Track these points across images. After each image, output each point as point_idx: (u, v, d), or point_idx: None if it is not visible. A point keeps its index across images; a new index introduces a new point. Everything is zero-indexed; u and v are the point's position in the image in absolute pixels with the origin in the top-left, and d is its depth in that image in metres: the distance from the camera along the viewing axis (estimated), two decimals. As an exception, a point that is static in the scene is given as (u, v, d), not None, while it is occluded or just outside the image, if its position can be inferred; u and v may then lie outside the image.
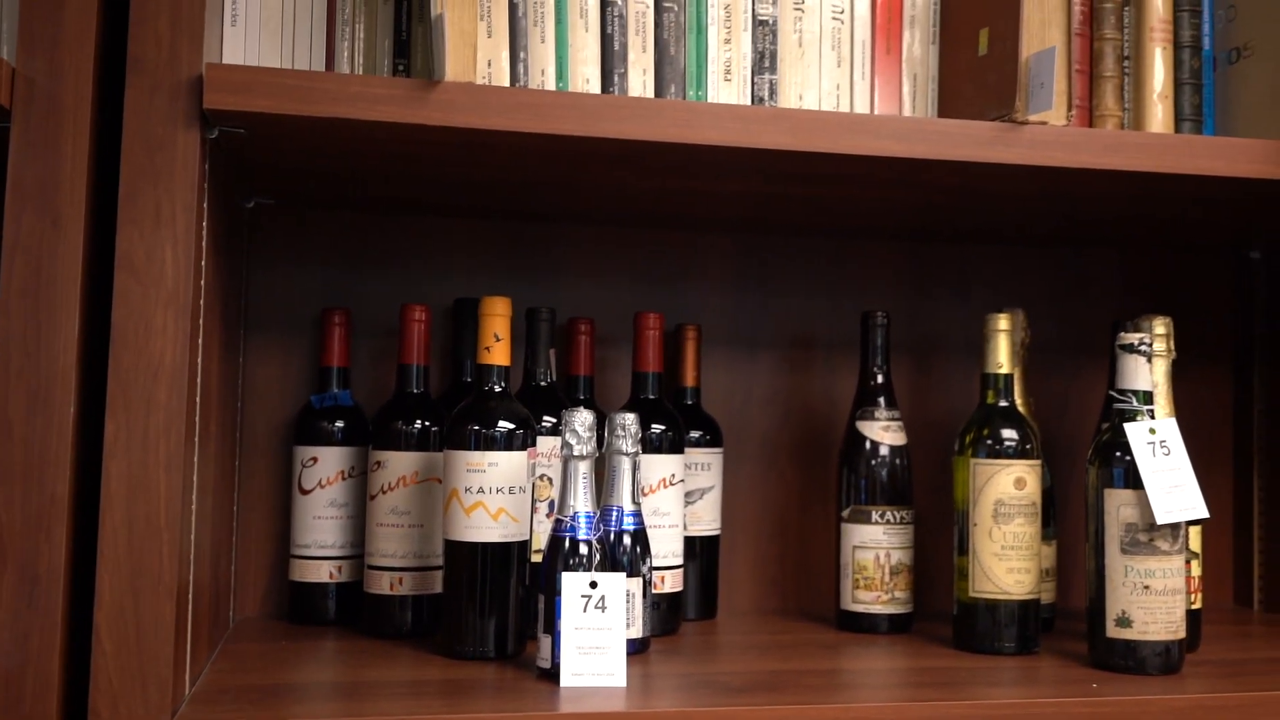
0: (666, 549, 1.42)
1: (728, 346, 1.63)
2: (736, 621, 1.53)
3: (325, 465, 1.43)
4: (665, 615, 1.42)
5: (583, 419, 1.21)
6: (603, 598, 1.17)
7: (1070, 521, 1.65)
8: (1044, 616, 1.46)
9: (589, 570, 1.19)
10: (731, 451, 1.60)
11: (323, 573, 1.42)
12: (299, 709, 1.07)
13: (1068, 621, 1.53)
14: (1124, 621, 1.24)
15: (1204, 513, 1.24)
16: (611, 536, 1.27)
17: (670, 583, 1.43)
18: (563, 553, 1.19)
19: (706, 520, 1.51)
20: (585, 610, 1.16)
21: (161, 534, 1.00)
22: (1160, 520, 1.23)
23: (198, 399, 1.08)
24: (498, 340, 1.29)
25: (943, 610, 1.51)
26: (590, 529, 1.20)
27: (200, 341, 1.09)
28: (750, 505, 1.63)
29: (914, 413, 1.63)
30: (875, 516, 1.45)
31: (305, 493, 1.43)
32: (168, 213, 1.03)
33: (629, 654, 1.21)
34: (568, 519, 1.20)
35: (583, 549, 1.19)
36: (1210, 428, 1.75)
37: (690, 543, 1.49)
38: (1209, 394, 1.76)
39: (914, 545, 1.47)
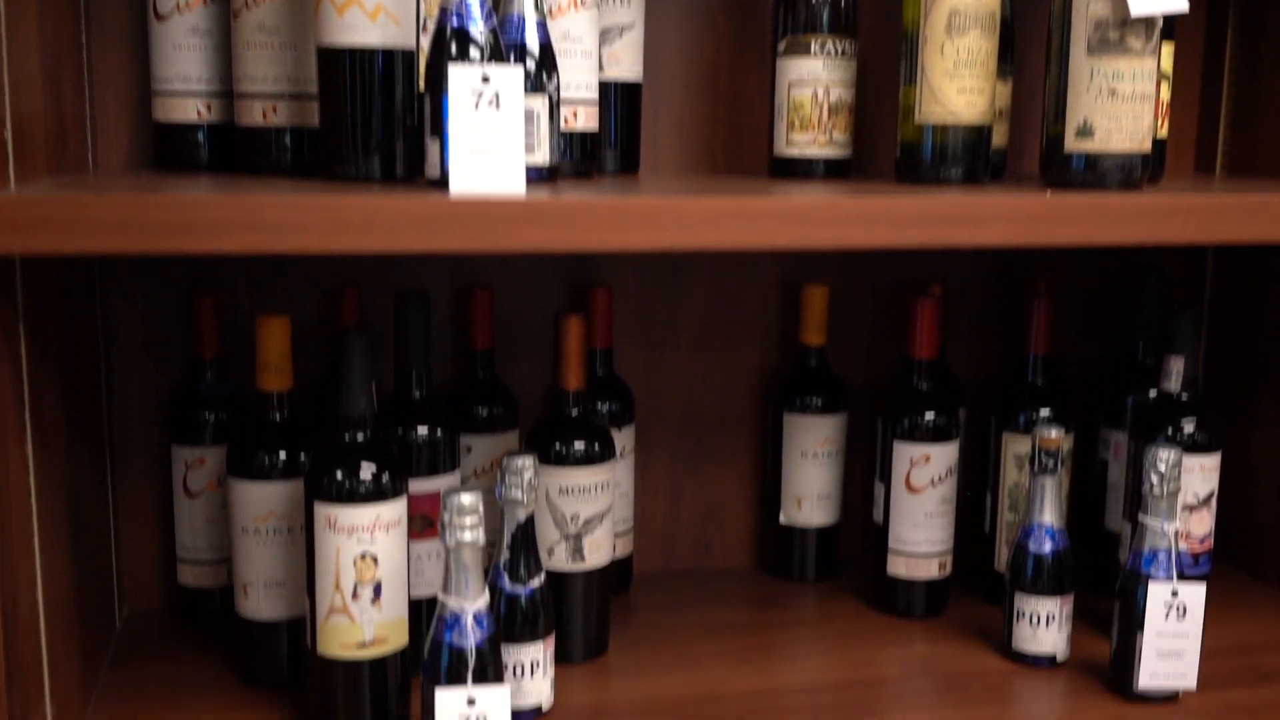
0: (579, 80, 1.26)
1: None
2: (660, 177, 1.40)
3: (181, -17, 1.23)
4: (579, 160, 1.27)
5: (470, -114, 1.02)
6: (496, 94, 1.01)
7: (1028, 67, 1.49)
8: (994, 163, 1.33)
9: (482, 64, 1.02)
10: (655, -10, 1.42)
11: (190, 111, 1.25)
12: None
13: (1019, 163, 1.41)
14: (1085, 131, 1.11)
15: (1184, 6, 1.09)
16: (513, 51, 1.11)
17: (584, 120, 1.27)
18: (451, 45, 1.03)
19: (627, 64, 1.35)
20: (477, 108, 1.00)
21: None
22: (1135, 12, 1.08)
23: None
24: None
25: (882, 170, 1.38)
26: (485, 18, 1.03)
27: None
28: (677, 55, 1.46)
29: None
30: (814, 48, 1.29)
31: (161, 19, 1.24)
32: None
33: (532, 182, 1.06)
34: (454, 4, 1.03)
35: (474, 42, 1.03)
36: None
37: (607, 89, 1.32)
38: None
39: (855, 84, 1.32)
